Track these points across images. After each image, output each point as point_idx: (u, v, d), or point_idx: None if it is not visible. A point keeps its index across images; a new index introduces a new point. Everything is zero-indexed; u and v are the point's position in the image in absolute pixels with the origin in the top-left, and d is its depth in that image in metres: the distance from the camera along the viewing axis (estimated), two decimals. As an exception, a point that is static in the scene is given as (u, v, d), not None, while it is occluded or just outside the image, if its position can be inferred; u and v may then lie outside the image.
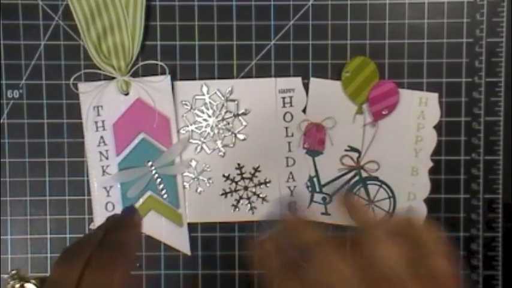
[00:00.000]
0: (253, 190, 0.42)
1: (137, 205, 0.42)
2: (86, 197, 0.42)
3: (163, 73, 0.41)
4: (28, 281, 0.41)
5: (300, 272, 0.24)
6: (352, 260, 0.24)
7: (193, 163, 0.42)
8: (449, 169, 0.42)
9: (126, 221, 0.30)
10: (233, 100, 0.42)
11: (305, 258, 0.25)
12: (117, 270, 0.25)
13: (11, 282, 0.40)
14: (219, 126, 0.42)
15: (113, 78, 0.41)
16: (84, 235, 0.28)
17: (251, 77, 0.42)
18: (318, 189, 0.42)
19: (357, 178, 0.42)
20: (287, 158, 0.42)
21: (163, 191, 0.42)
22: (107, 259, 0.25)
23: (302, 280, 0.24)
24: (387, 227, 0.24)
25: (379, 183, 0.42)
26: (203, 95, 0.42)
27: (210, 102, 0.42)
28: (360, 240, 0.25)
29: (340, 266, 0.23)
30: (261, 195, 0.42)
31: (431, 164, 0.42)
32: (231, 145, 0.42)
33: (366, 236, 0.24)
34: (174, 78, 0.42)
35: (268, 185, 0.42)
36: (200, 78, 0.42)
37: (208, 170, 0.42)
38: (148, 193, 0.42)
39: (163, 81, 0.41)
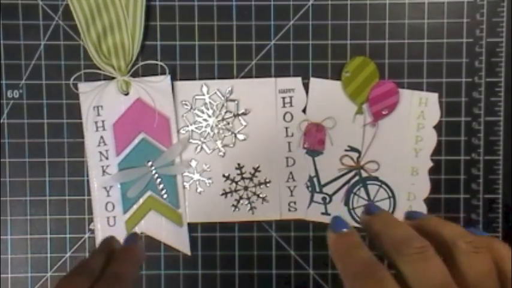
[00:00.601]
0: (253, 190, 0.42)
1: (137, 205, 0.42)
2: (86, 197, 0.42)
3: (163, 73, 0.41)
4: None
5: (382, 273, 0.22)
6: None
7: (193, 163, 0.42)
8: (449, 169, 0.42)
9: (128, 253, 0.29)
10: (233, 100, 0.42)
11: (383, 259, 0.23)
12: None
13: None
14: (219, 126, 0.42)
15: (113, 78, 0.41)
16: (80, 264, 0.27)
17: (251, 77, 0.42)
18: (318, 189, 0.42)
19: (357, 178, 0.42)
20: (287, 158, 0.42)
21: (163, 191, 0.42)
22: None
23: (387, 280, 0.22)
24: (475, 241, 0.24)
25: (379, 183, 0.42)
26: (203, 95, 0.42)
27: (210, 102, 0.42)
28: (448, 250, 0.24)
29: (444, 270, 0.22)
30: (261, 195, 0.42)
31: (431, 164, 0.42)
32: (231, 145, 0.42)
33: (454, 246, 0.24)
34: (174, 78, 0.42)
35: (268, 185, 0.42)
36: (200, 78, 0.42)
37: (208, 170, 0.42)
38: (148, 193, 0.42)
39: (163, 81, 0.41)
